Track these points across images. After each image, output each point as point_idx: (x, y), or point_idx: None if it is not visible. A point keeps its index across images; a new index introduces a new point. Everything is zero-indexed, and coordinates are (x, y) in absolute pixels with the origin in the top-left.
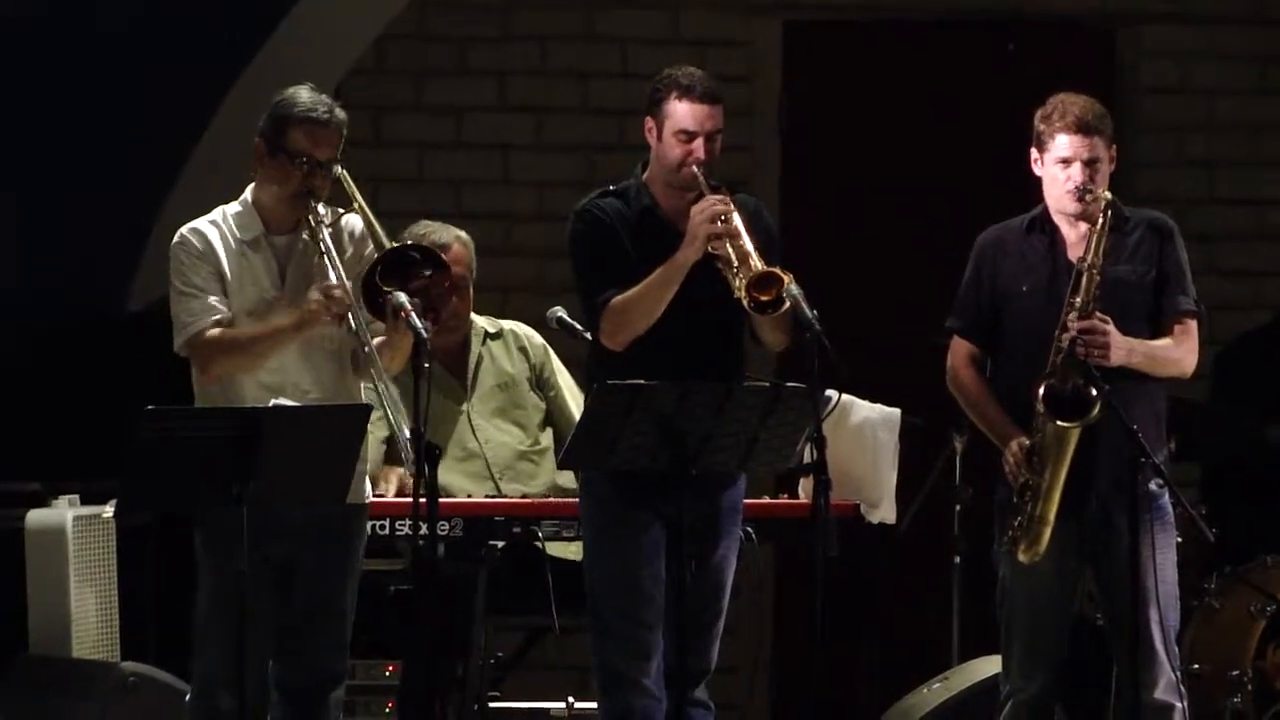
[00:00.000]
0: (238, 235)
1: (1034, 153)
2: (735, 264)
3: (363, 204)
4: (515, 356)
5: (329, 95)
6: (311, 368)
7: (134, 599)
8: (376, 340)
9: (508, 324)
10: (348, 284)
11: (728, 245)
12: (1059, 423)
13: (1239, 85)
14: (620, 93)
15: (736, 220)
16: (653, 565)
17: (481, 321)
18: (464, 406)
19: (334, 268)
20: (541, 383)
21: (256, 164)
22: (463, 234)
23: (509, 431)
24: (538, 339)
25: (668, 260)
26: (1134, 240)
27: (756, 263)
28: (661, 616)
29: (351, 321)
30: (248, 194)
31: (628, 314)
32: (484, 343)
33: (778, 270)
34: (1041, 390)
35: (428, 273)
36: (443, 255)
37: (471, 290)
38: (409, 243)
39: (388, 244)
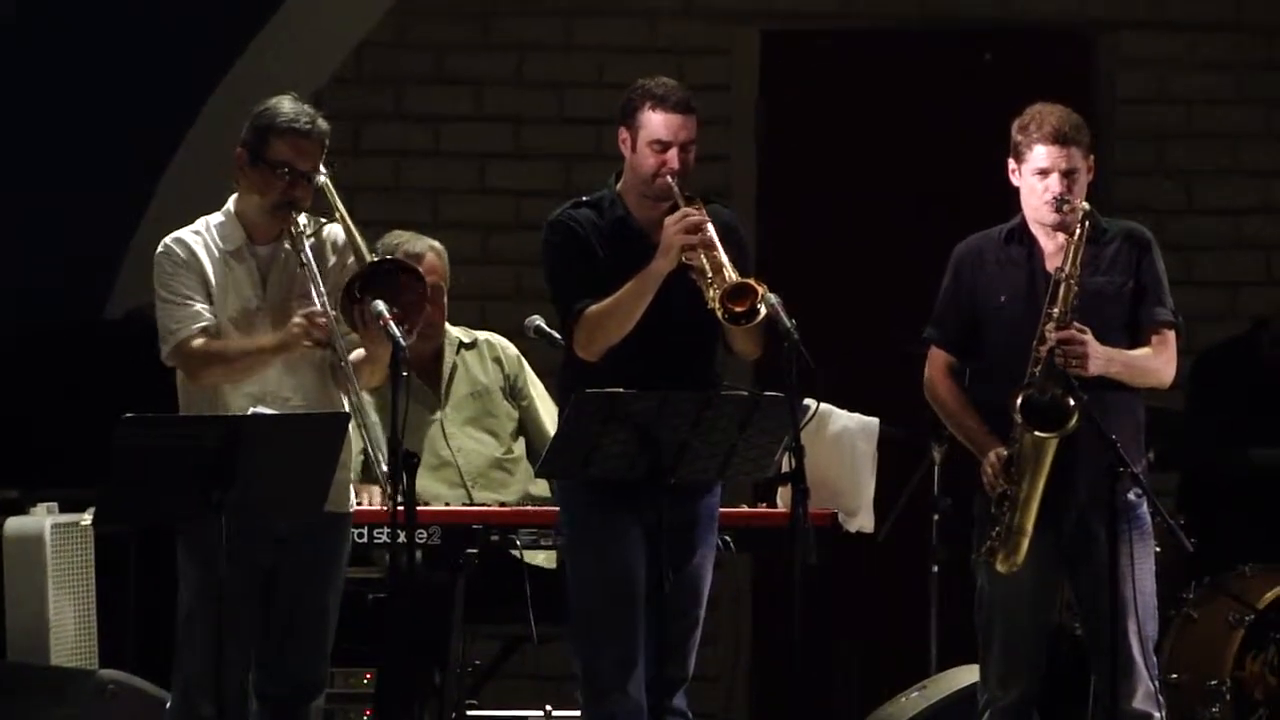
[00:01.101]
0: (220, 245)
1: (1011, 163)
2: (709, 274)
3: (345, 214)
4: (489, 366)
5: (309, 104)
6: (294, 377)
7: (112, 606)
8: (355, 354)
9: (482, 334)
10: (328, 303)
11: (702, 256)
12: (1037, 433)
13: (1217, 94)
14: (598, 102)
15: (711, 231)
16: (635, 572)
17: (456, 331)
18: (437, 414)
19: (314, 282)
20: (515, 392)
21: (238, 174)
22: (436, 243)
23: (481, 440)
24: (512, 349)
25: (642, 271)
26: (1111, 251)
27: (731, 274)
28: (644, 624)
29: (334, 344)
30: (230, 204)
31: (602, 324)
32: (458, 352)
33: (752, 281)
34: (1019, 400)
35: (403, 279)
36: (417, 265)
37: (446, 299)
38: (387, 256)
39: (368, 256)
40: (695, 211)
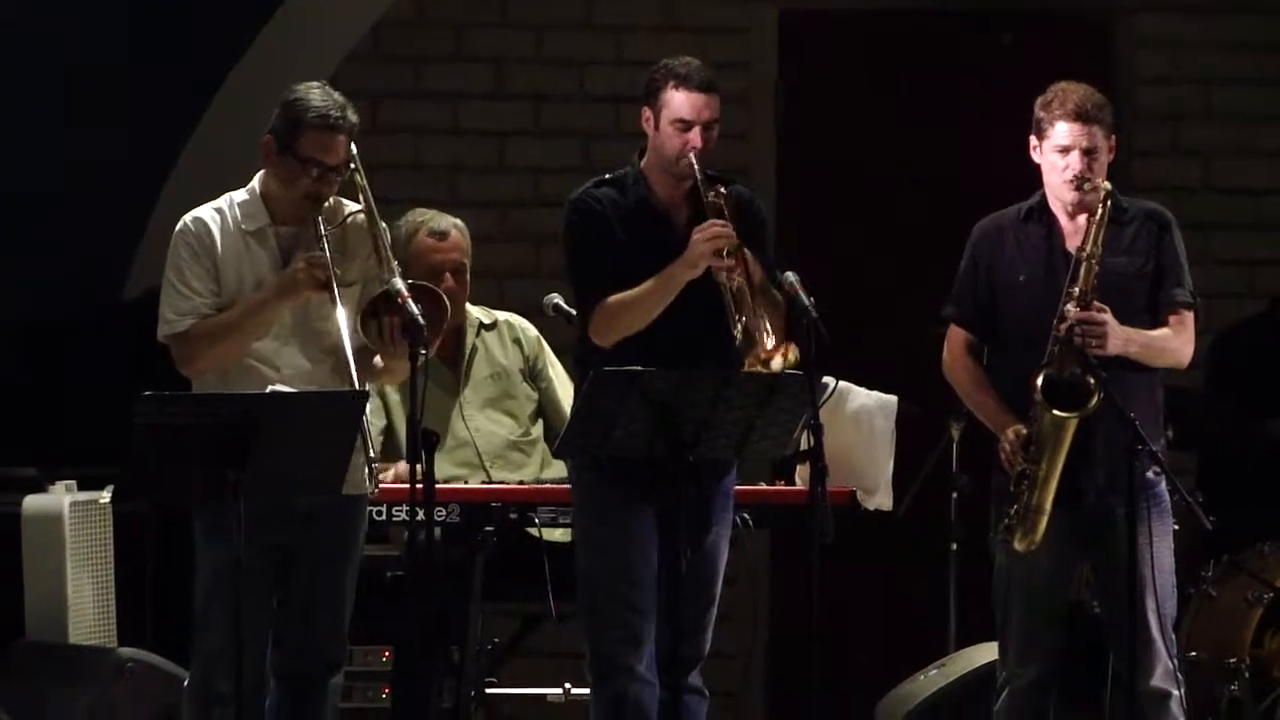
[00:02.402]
0: (243, 225)
1: (1033, 140)
2: (735, 308)
3: (372, 206)
4: (509, 348)
5: (330, 84)
6: (309, 361)
7: (131, 584)
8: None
9: (503, 315)
10: (342, 309)
11: (725, 276)
12: (1056, 413)
13: (1235, 74)
14: (616, 80)
15: (737, 251)
16: (645, 552)
17: (476, 312)
18: (457, 396)
19: (331, 292)
20: (535, 374)
21: (264, 160)
22: (459, 221)
23: (500, 421)
24: (532, 331)
25: (665, 270)
26: (1131, 231)
27: (767, 339)
28: (654, 602)
29: (341, 323)
30: (256, 182)
31: (619, 316)
32: (479, 334)
33: (784, 349)
34: (1039, 380)
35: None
36: (441, 241)
37: (469, 278)
38: (410, 281)
39: (386, 249)
40: (724, 227)
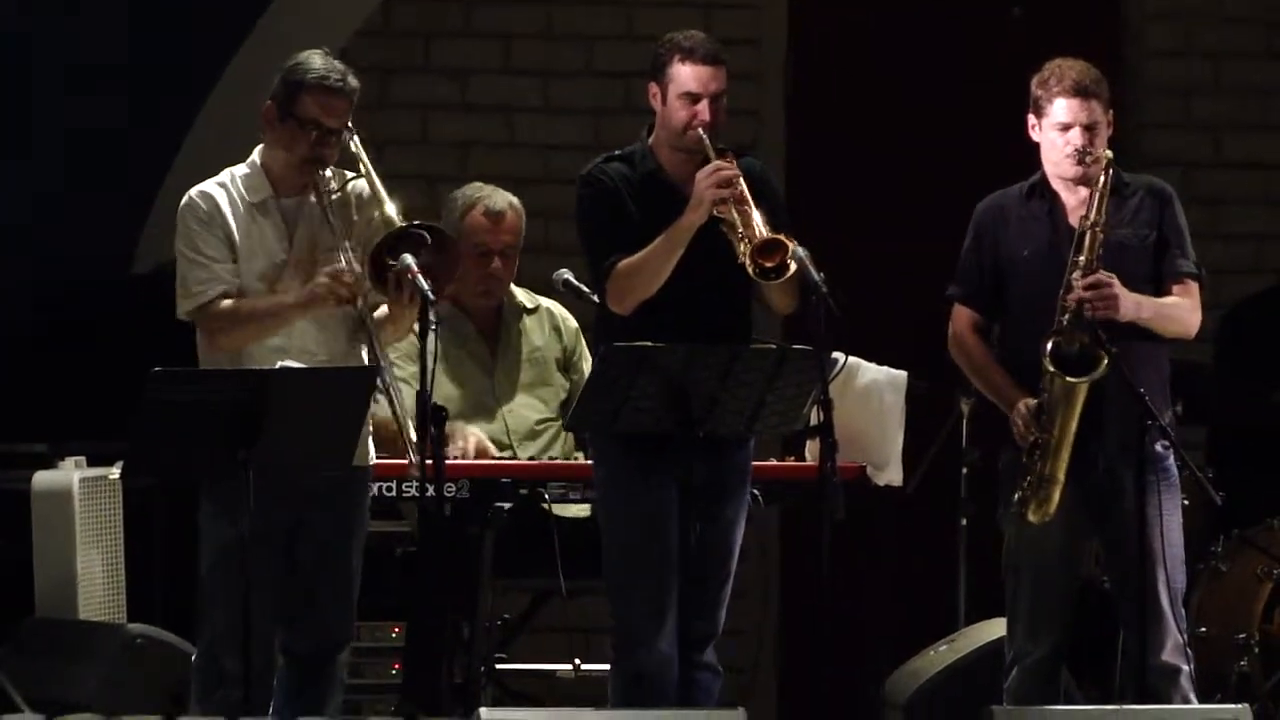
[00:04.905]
0: (246, 198)
1: (1031, 118)
2: (740, 229)
3: (370, 170)
4: (548, 334)
5: (337, 58)
6: (320, 330)
7: (140, 560)
8: (378, 312)
9: (546, 301)
10: (355, 263)
11: (733, 210)
12: (1067, 379)
13: (1246, 48)
14: (626, 55)
15: (743, 184)
16: (669, 525)
17: (520, 295)
18: (491, 374)
19: (339, 243)
20: (569, 365)
21: (266, 127)
22: (515, 200)
23: (531, 405)
24: (572, 321)
25: (673, 224)
26: (1134, 204)
27: (762, 229)
28: (677, 578)
29: (358, 300)
30: (256, 156)
31: (634, 278)
32: (520, 317)
33: (782, 237)
34: (1049, 346)
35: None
36: (498, 222)
37: (517, 258)
38: (416, 221)
39: (393, 213)
40: (728, 164)
